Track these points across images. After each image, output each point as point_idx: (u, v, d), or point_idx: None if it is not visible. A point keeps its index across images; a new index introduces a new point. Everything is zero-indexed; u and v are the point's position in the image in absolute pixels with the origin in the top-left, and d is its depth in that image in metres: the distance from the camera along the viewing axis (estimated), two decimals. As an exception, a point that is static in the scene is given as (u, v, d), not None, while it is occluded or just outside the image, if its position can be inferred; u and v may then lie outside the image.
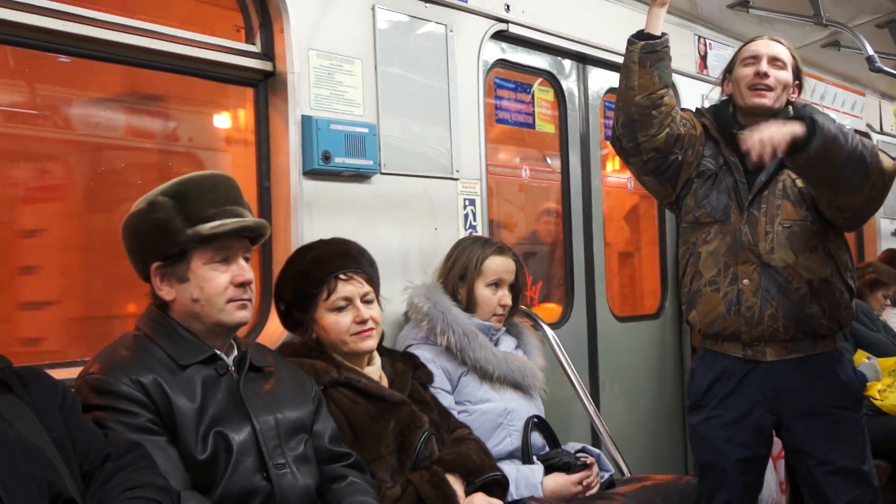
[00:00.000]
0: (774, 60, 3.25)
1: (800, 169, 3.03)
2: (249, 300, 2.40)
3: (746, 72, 3.26)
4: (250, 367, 2.41)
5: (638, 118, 3.19)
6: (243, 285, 2.37)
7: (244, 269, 2.40)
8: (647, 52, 3.15)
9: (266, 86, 3.26)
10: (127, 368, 2.19)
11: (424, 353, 3.18)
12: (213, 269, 2.35)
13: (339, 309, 2.83)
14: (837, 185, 3.01)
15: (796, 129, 2.82)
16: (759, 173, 3.22)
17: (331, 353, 2.84)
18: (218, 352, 2.36)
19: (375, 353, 2.96)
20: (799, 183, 3.20)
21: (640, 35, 3.20)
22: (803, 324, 3.16)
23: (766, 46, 3.29)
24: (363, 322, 2.83)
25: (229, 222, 2.35)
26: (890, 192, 3.16)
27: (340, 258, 2.89)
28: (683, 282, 3.37)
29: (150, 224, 2.31)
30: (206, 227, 2.31)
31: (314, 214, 3.25)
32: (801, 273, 3.15)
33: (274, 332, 3.05)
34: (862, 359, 4.87)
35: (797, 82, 3.33)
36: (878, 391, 4.76)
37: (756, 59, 3.26)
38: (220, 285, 2.34)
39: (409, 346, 3.26)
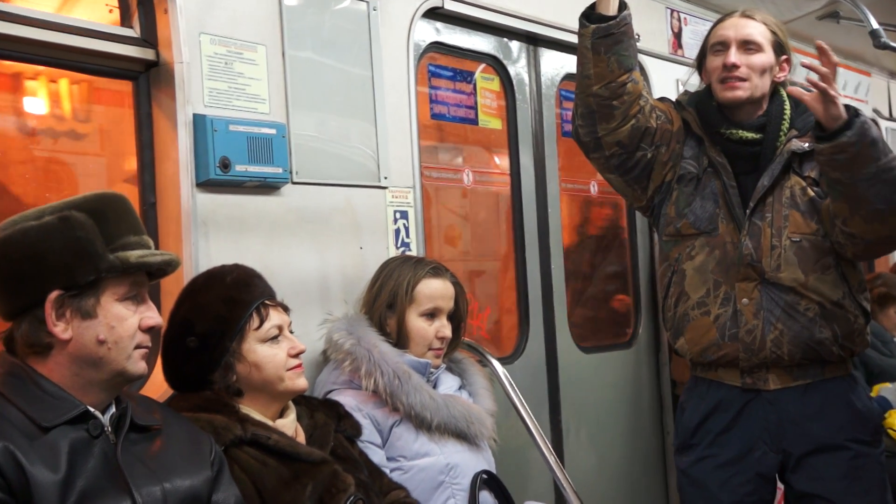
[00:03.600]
0: (746, 45, 3.30)
1: (823, 160, 3.08)
2: (149, 349, 2.40)
3: (716, 63, 3.33)
4: (132, 426, 2.37)
5: (597, 109, 3.23)
6: (151, 330, 2.37)
7: (154, 310, 2.39)
8: (599, 36, 3.16)
9: (148, 78, 3.24)
10: (-31, 435, 2.13)
11: (348, 400, 3.17)
12: (125, 307, 2.33)
13: (273, 339, 2.83)
14: (857, 202, 3.07)
15: (842, 111, 2.97)
16: (756, 176, 3.28)
17: (249, 398, 2.81)
18: (91, 409, 2.31)
19: (290, 403, 2.95)
20: (810, 192, 3.26)
21: (592, 16, 3.21)
22: (811, 350, 3.23)
23: (734, 29, 3.33)
24: (297, 356, 2.86)
25: (157, 253, 2.36)
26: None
27: (261, 282, 2.90)
28: (667, 304, 3.42)
29: (64, 242, 2.26)
30: (135, 255, 2.30)
31: (211, 235, 3.22)
32: (810, 295, 3.22)
33: (163, 382, 3.01)
34: (882, 385, 4.94)
35: (785, 57, 3.39)
36: None
37: (724, 45, 3.32)
38: (131, 326, 2.33)
39: (330, 391, 3.25)
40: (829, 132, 3.00)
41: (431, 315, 3.37)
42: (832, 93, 2.96)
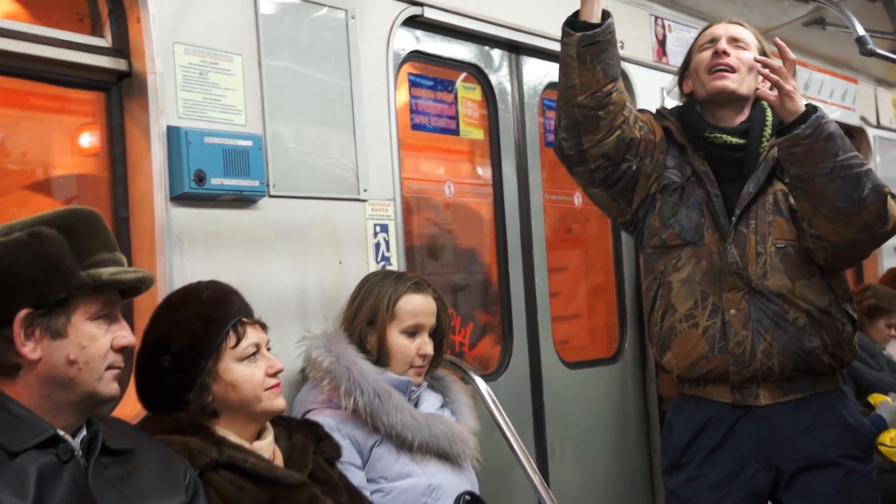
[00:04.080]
0: (735, 41, 3.39)
1: (782, 155, 3.16)
2: (121, 370, 2.38)
3: (704, 55, 3.41)
4: (103, 449, 2.34)
5: (583, 120, 3.24)
6: (124, 350, 2.35)
7: (126, 329, 2.38)
8: (585, 44, 3.17)
9: (120, 89, 3.23)
10: (-67, 462, 2.11)
11: (327, 420, 3.15)
12: (97, 326, 2.31)
13: (250, 358, 2.82)
14: (817, 200, 3.12)
15: (800, 105, 3.07)
16: (739, 184, 3.31)
17: (225, 419, 2.79)
18: (61, 432, 2.29)
19: (268, 424, 2.92)
20: (792, 198, 3.28)
21: (576, 24, 3.21)
22: (802, 360, 3.24)
23: (724, 28, 3.44)
24: (275, 375, 2.84)
25: (130, 270, 2.34)
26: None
27: (237, 299, 2.89)
28: (653, 319, 3.42)
29: (33, 258, 2.24)
30: (107, 272, 2.28)
31: (186, 250, 3.21)
32: (798, 302, 3.23)
33: (135, 403, 2.98)
34: (881, 399, 4.94)
35: None
36: (892, 438, 4.81)
37: (714, 41, 3.40)
38: (103, 346, 2.31)
39: (309, 411, 3.24)
40: (785, 126, 3.09)
41: (413, 332, 3.36)
42: (787, 87, 3.06)
